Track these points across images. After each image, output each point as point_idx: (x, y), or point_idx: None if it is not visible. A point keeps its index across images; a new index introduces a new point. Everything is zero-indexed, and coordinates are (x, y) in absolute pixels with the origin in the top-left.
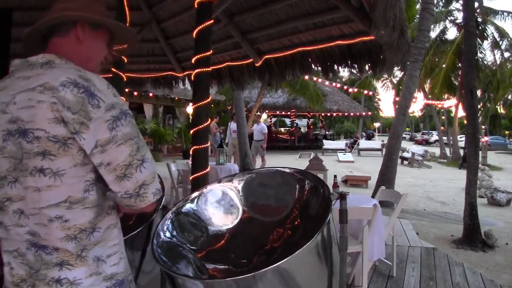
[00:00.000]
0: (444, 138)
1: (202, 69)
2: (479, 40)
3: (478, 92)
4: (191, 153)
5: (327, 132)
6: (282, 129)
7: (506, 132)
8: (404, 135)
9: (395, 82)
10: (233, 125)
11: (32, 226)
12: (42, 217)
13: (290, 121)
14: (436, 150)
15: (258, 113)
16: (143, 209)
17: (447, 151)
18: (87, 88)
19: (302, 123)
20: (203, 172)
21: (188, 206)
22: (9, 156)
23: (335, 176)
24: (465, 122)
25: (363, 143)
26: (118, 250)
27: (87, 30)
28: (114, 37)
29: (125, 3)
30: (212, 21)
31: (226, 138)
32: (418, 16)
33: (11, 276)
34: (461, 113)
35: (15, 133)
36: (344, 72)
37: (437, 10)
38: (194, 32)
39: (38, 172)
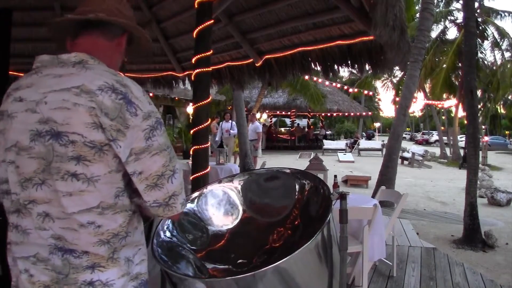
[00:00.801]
0: (444, 138)
1: (202, 69)
2: (479, 40)
3: (478, 92)
4: (191, 153)
5: (327, 132)
6: (282, 129)
7: (506, 132)
8: (404, 135)
9: (395, 82)
10: (225, 125)
11: (56, 230)
12: (72, 222)
13: (290, 121)
14: (436, 150)
15: (253, 112)
16: (171, 217)
17: (447, 151)
18: (125, 95)
19: (302, 123)
20: (203, 172)
21: (188, 206)
22: (37, 157)
23: (335, 176)
24: (465, 122)
25: (363, 143)
26: (142, 251)
27: (125, 40)
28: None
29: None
30: (212, 21)
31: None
32: (418, 16)
33: (31, 284)
34: (461, 113)
35: (46, 134)
36: (344, 72)
37: (437, 10)
38: (194, 32)
39: (71, 177)
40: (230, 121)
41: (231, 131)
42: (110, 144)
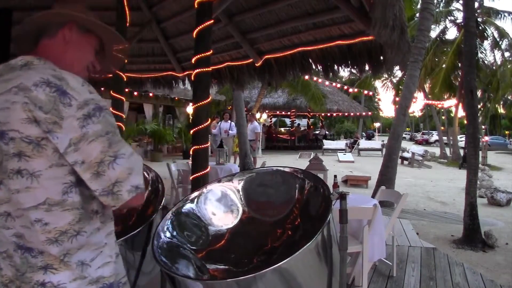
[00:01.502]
0: (444, 138)
1: (202, 69)
2: (479, 40)
3: (478, 92)
4: (191, 153)
5: (327, 132)
6: (282, 129)
7: (506, 132)
8: (404, 135)
9: (395, 82)
10: (224, 125)
11: (18, 229)
12: (26, 219)
13: (290, 121)
14: (436, 150)
15: (252, 112)
16: (126, 205)
17: (447, 151)
18: (59, 87)
19: (302, 123)
20: (203, 172)
21: (188, 206)
22: None
23: (335, 176)
24: (465, 122)
25: (363, 143)
26: (104, 253)
27: (75, 32)
28: (104, 45)
29: (125, 3)
30: (212, 21)
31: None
32: (418, 16)
33: (0, 277)
34: (461, 113)
35: None
36: (344, 72)
37: (437, 10)
38: (194, 32)
39: (16, 174)
40: (229, 121)
41: (230, 131)
42: (47, 137)
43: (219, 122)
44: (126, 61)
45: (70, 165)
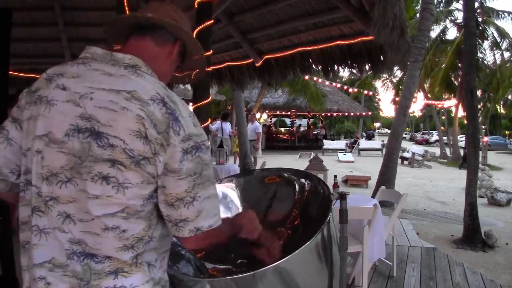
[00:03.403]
0: (444, 138)
1: None
2: (479, 40)
3: (478, 92)
4: None
5: (327, 132)
6: (282, 129)
7: (506, 132)
8: (404, 135)
9: (395, 82)
10: (225, 126)
11: (76, 234)
12: (95, 226)
13: (290, 121)
14: (436, 150)
15: (253, 112)
16: (180, 240)
17: (447, 151)
18: (173, 111)
19: (302, 123)
20: None
21: None
22: (69, 153)
23: (335, 176)
24: (465, 122)
25: (363, 143)
26: (163, 257)
27: (177, 50)
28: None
29: (125, 3)
30: (212, 21)
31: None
32: (418, 16)
33: None
34: (461, 113)
35: (86, 131)
36: (344, 72)
37: (437, 10)
38: (194, 32)
39: (101, 179)
40: (216, 122)
41: (219, 134)
42: (149, 159)
43: (219, 123)
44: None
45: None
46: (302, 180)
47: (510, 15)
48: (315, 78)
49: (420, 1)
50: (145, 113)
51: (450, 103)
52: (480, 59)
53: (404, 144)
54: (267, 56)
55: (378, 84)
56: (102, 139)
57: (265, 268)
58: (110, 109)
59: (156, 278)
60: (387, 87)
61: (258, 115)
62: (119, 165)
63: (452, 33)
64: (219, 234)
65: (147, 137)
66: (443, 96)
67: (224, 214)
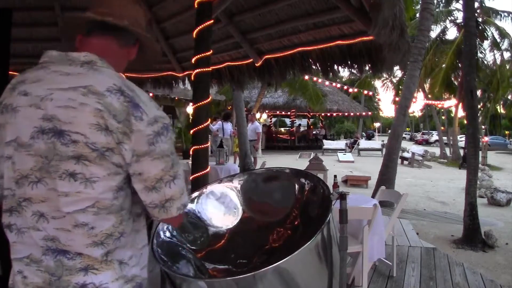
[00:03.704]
0: (444, 138)
1: (202, 69)
2: (479, 40)
3: (478, 92)
4: (191, 153)
5: (327, 132)
6: (282, 129)
7: (506, 132)
8: (404, 135)
9: (395, 82)
10: (226, 126)
11: (50, 231)
12: (66, 222)
13: (290, 121)
14: (436, 150)
15: (253, 112)
16: (166, 221)
17: (447, 151)
18: (132, 98)
19: (302, 123)
20: (203, 172)
21: (189, 206)
22: (36, 155)
23: (335, 176)
24: (465, 122)
25: (363, 143)
26: (138, 252)
27: (136, 50)
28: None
29: None
30: (212, 21)
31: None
32: (418, 16)
33: (24, 285)
34: (461, 113)
35: (49, 132)
36: (344, 72)
37: (437, 10)
38: (194, 32)
39: (68, 176)
40: (217, 122)
41: (220, 134)
42: (113, 149)
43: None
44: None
45: (127, 174)
46: (302, 180)
47: (510, 15)
48: (315, 78)
49: (420, 1)
50: (102, 105)
51: (450, 103)
52: (480, 59)
53: (404, 144)
54: (267, 56)
55: (378, 84)
56: (65, 137)
57: (265, 268)
58: (69, 106)
59: (128, 275)
60: (387, 87)
61: (258, 115)
62: (84, 161)
63: (452, 33)
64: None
65: (107, 129)
66: (443, 96)
67: (224, 214)
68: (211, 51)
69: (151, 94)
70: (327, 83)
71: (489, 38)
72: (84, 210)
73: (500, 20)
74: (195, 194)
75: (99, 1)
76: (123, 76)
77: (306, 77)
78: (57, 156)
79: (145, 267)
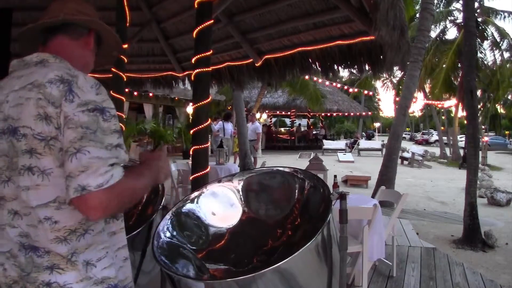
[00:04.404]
0: (444, 138)
1: (202, 69)
2: (479, 40)
3: (478, 92)
4: (191, 153)
5: (326, 132)
6: (282, 129)
7: (506, 132)
8: (404, 135)
9: (395, 82)
10: (227, 126)
11: (24, 227)
12: (33, 218)
13: (290, 121)
14: (436, 150)
15: (253, 112)
16: (77, 207)
17: (447, 151)
18: (70, 84)
19: (302, 123)
20: (203, 172)
21: (188, 206)
22: (2, 155)
23: (335, 176)
24: (465, 122)
25: (363, 143)
26: (110, 254)
27: (93, 39)
28: (100, 44)
29: (125, 3)
30: (212, 21)
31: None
32: (418, 16)
33: (4, 277)
34: (461, 113)
35: (7, 131)
36: (344, 72)
37: (437, 10)
38: (194, 32)
39: (26, 171)
40: (218, 123)
41: (220, 134)
42: (55, 137)
43: (221, 123)
44: (124, 60)
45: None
46: (302, 179)
47: (510, 15)
48: (315, 78)
49: (420, 1)
50: (42, 95)
51: (450, 103)
52: (480, 59)
53: (404, 144)
54: (267, 56)
55: (378, 84)
56: (17, 133)
57: (266, 269)
58: (19, 104)
59: (97, 277)
60: (387, 87)
61: (258, 115)
62: (36, 154)
63: (452, 33)
64: (133, 191)
65: (47, 116)
66: (443, 96)
67: (224, 214)
68: (211, 51)
69: (150, 94)
70: (327, 83)
71: (489, 38)
72: (46, 204)
73: (500, 20)
74: (195, 194)
75: (43, 13)
76: (71, 67)
77: (306, 77)
78: (15, 153)
79: (123, 268)
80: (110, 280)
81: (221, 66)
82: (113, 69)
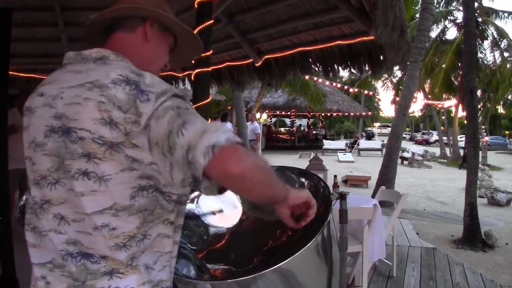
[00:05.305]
0: (444, 138)
1: (202, 69)
2: (479, 40)
3: (478, 92)
4: None
5: (326, 132)
6: (282, 129)
7: (506, 132)
8: (404, 135)
9: (395, 82)
10: (227, 126)
11: (72, 234)
12: (86, 225)
13: (290, 121)
14: (436, 150)
15: (253, 113)
16: (212, 174)
17: (447, 151)
18: (138, 84)
19: (302, 123)
20: None
21: (188, 206)
22: (51, 154)
23: (335, 176)
24: (465, 122)
25: (363, 143)
26: (164, 257)
27: (155, 30)
28: (177, 44)
29: None
30: (212, 21)
31: None
32: (418, 16)
33: None
34: (461, 113)
35: (59, 130)
36: (344, 72)
37: (437, 10)
38: (194, 32)
39: (82, 175)
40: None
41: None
42: (122, 143)
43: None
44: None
45: (143, 171)
46: (302, 179)
47: (510, 15)
48: (315, 78)
49: (420, 1)
50: (105, 98)
51: (450, 103)
52: (480, 59)
53: (404, 144)
54: (267, 56)
55: (378, 84)
56: (72, 134)
57: (266, 270)
58: (76, 103)
59: (155, 280)
60: (387, 87)
61: (258, 115)
62: (94, 159)
63: (452, 33)
64: (267, 175)
65: (112, 121)
66: (443, 96)
67: (224, 213)
68: (211, 51)
69: None
70: (327, 83)
71: (489, 38)
72: (102, 211)
73: (500, 20)
74: (195, 194)
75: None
76: (138, 70)
77: (307, 77)
78: (68, 155)
79: (167, 271)
80: (163, 283)
81: (221, 66)
82: None
